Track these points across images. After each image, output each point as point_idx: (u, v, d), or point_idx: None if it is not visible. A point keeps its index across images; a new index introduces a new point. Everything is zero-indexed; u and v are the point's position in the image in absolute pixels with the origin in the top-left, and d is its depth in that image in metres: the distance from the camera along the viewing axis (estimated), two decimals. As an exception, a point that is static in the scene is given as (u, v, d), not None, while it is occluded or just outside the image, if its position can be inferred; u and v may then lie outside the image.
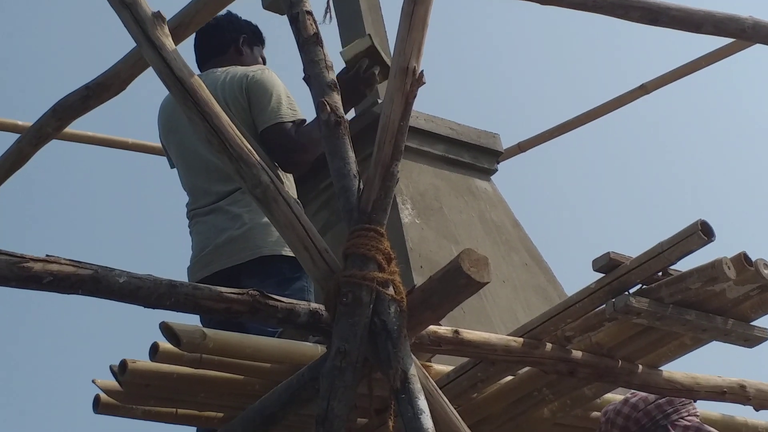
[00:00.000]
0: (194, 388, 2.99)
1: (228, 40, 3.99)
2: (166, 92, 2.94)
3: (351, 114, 4.55)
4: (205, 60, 4.02)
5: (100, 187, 10.02)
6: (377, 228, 2.66)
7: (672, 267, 2.88)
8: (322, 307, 2.70)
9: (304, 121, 3.78)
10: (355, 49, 3.81)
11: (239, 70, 3.87)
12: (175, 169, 3.98)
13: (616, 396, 3.40)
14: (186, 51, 3.97)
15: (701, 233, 2.78)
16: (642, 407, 3.14)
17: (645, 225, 9.33)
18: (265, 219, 3.64)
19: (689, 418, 3.15)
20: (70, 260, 2.47)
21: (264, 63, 4.08)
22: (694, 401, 3.32)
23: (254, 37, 4.08)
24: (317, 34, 2.88)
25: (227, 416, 3.13)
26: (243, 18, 4.12)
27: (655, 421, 3.13)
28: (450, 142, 4.73)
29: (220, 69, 3.89)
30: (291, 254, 3.62)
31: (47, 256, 2.45)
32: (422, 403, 2.53)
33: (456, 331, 2.85)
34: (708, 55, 5.24)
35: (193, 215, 3.82)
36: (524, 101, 10.73)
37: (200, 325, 3.18)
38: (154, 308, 2.57)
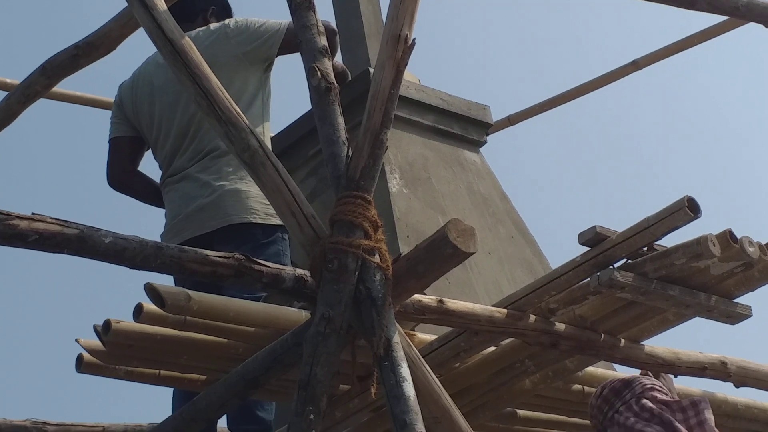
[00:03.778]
0: (178, 350, 2.99)
1: (198, 9, 4.03)
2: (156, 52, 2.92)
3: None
4: None
5: (87, 147, 9.99)
6: (365, 195, 2.66)
7: (657, 242, 2.89)
8: (307, 272, 2.70)
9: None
10: None
11: (211, 26, 3.93)
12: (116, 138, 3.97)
13: (597, 369, 3.42)
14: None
15: (687, 209, 2.79)
16: (599, 393, 3.09)
17: (632, 200, 9.36)
18: (234, 186, 3.68)
19: (644, 402, 3.05)
20: (56, 219, 2.47)
21: None
22: (675, 376, 3.34)
23: (222, 10, 4.12)
24: (310, -1, 2.87)
25: (210, 379, 3.13)
26: None
27: (614, 407, 3.09)
28: (440, 112, 4.72)
29: (191, 32, 3.90)
30: (262, 221, 3.63)
31: (33, 214, 2.44)
32: (405, 371, 2.54)
33: (440, 301, 2.86)
34: (701, 33, 5.24)
35: (165, 183, 3.84)
36: (515, 74, 10.72)
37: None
38: (139, 269, 2.57)
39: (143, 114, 3.91)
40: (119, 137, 3.96)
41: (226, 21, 3.93)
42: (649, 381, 3.08)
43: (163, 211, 3.89)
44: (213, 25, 3.93)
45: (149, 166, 4.01)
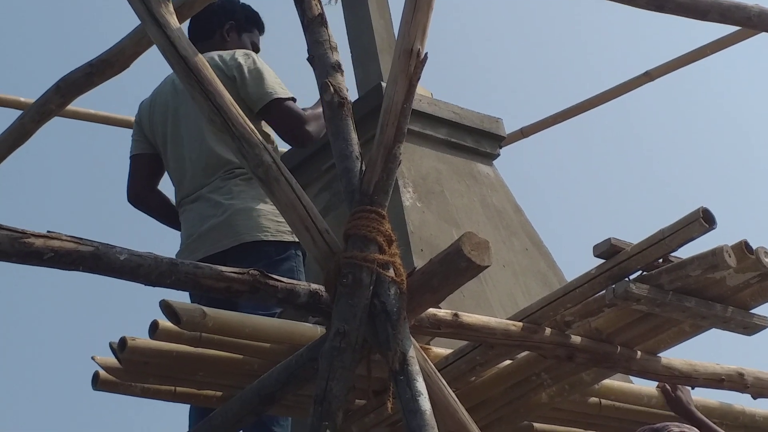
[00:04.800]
0: (193, 366, 3.00)
1: (215, 26, 3.97)
2: (170, 71, 2.93)
3: (355, 96, 4.56)
4: (192, 43, 3.97)
5: (101, 165, 10.02)
6: (378, 210, 2.66)
7: (673, 254, 2.88)
8: (322, 287, 2.70)
9: (295, 100, 3.79)
10: None
11: (217, 54, 3.81)
12: (136, 154, 3.97)
13: (614, 382, 3.41)
14: (190, 30, 3.96)
15: (702, 220, 2.78)
16: None
17: (647, 212, 9.33)
18: (245, 204, 3.68)
19: None
20: (71, 237, 2.48)
21: (256, 50, 4.03)
22: (692, 388, 3.32)
23: (247, 23, 4.02)
24: (322, 15, 2.88)
25: (226, 395, 3.13)
26: (241, 3, 4.08)
27: None
28: (453, 125, 4.72)
29: (205, 54, 3.84)
30: (274, 238, 3.63)
31: (48, 232, 2.45)
32: (420, 385, 2.53)
33: (455, 314, 2.86)
34: (713, 43, 5.23)
35: (181, 204, 3.85)
36: (528, 86, 10.72)
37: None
38: (154, 286, 2.58)
39: (158, 133, 3.92)
40: (139, 155, 3.97)
41: (232, 57, 3.76)
42: (678, 428, 3.06)
43: (178, 232, 3.90)
44: (219, 57, 3.84)
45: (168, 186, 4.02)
